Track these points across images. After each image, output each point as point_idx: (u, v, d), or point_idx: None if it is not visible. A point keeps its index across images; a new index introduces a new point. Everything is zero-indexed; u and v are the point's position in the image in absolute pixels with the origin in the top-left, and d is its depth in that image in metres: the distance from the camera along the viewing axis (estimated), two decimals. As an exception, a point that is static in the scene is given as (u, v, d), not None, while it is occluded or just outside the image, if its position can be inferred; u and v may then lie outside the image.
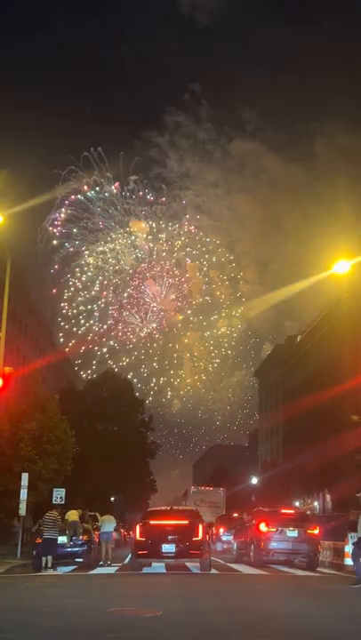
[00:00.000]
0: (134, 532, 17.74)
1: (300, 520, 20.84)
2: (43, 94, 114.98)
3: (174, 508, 20.77)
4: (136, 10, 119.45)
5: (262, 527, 19.76)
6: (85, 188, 68.05)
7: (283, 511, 21.91)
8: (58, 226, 68.08)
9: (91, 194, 68.31)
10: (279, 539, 19.40)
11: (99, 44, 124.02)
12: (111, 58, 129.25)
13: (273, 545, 19.40)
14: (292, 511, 22.85)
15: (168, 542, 16.42)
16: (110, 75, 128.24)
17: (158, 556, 16.69)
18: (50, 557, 18.35)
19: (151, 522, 17.40)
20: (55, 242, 68.52)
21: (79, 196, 68.52)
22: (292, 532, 19.45)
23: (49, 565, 18.23)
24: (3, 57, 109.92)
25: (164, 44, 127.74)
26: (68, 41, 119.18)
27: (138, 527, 17.39)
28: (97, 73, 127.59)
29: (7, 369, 20.75)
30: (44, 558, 18.36)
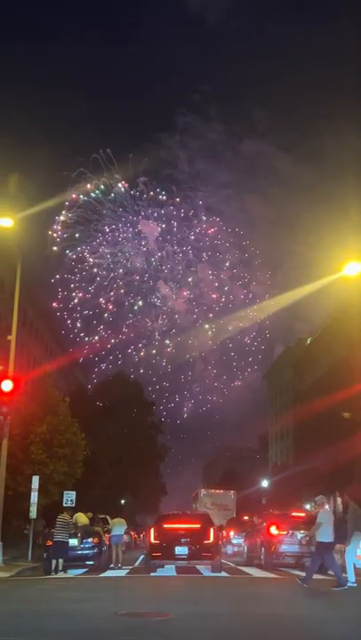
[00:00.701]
0: (149, 535, 18.52)
1: (311, 523, 20.70)
2: (51, 95, 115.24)
3: (186, 512, 21.17)
4: (144, 10, 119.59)
5: (273, 530, 19.75)
6: (89, 187, 67.80)
7: (293, 514, 21.85)
8: (58, 231, 67.90)
9: (95, 194, 68.14)
10: (290, 542, 19.38)
11: (107, 45, 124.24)
12: (120, 59, 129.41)
13: (284, 548, 19.41)
14: (302, 514, 22.77)
15: (181, 545, 17.26)
16: (119, 76, 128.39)
17: (172, 558, 17.41)
18: (61, 560, 18.41)
19: (165, 525, 18.28)
20: (55, 248, 68.24)
21: (81, 196, 68.32)
22: (303, 535, 19.43)
23: (60, 568, 18.28)
24: (11, 59, 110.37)
25: (172, 44, 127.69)
26: (75, 42, 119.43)
27: (152, 530, 18.20)
28: (105, 74, 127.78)
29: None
30: (54, 561, 18.41)
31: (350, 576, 14.23)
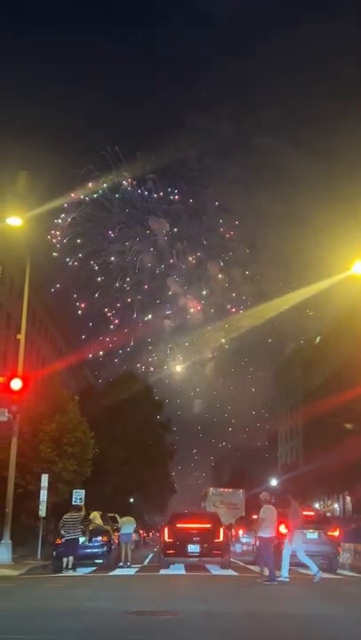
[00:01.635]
0: (162, 534, 19.33)
1: (320, 522, 20.67)
2: (57, 94, 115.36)
3: (197, 512, 21.68)
4: (152, 7, 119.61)
5: (282, 529, 19.67)
6: (91, 185, 67.35)
7: (303, 513, 21.76)
8: (57, 236, 67.24)
9: (100, 193, 67.66)
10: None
11: (114, 43, 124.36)
12: (127, 57, 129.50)
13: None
14: (311, 513, 22.68)
15: (193, 543, 18.20)
16: (126, 74, 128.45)
17: (185, 555, 18.29)
18: (71, 558, 18.47)
19: (178, 525, 19.30)
20: (55, 254, 67.51)
21: (82, 196, 67.80)
22: (312, 534, 19.28)
23: (69, 566, 18.34)
24: (19, 58, 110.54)
25: (180, 41, 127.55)
26: (84, 41, 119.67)
27: (166, 529, 19.05)
28: (113, 72, 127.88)
29: None
30: (65, 559, 18.48)
31: (284, 572, 14.80)
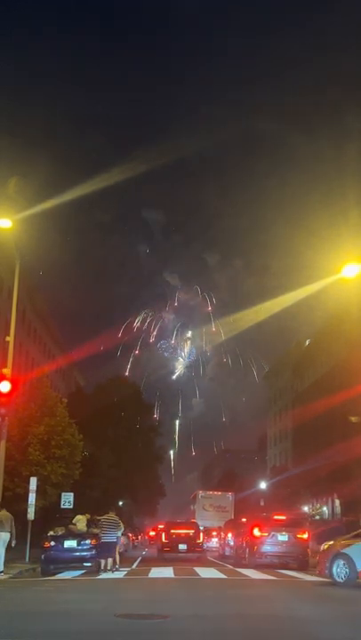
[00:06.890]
0: (160, 537, 28.39)
1: (291, 525, 22.14)
2: (52, 96, 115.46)
3: (183, 521, 34.10)
4: (151, 3, 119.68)
5: (256, 532, 21.37)
6: (85, 184, 67.08)
7: (275, 517, 23.03)
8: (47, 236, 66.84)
9: (94, 189, 67.41)
10: (271, 542, 20.93)
11: (110, 40, 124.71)
12: (122, 54, 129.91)
13: (265, 548, 20.97)
14: (283, 517, 23.65)
15: (182, 543, 26.51)
16: (122, 69, 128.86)
17: (176, 551, 26.15)
18: (110, 560, 18.99)
19: (172, 530, 27.70)
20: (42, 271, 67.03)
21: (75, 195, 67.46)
22: (283, 537, 20.92)
23: (108, 568, 18.74)
24: (14, 61, 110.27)
25: (177, 29, 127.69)
26: (82, 40, 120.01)
27: (163, 534, 27.74)
28: (108, 69, 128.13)
29: None
30: (102, 561, 18.95)
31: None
